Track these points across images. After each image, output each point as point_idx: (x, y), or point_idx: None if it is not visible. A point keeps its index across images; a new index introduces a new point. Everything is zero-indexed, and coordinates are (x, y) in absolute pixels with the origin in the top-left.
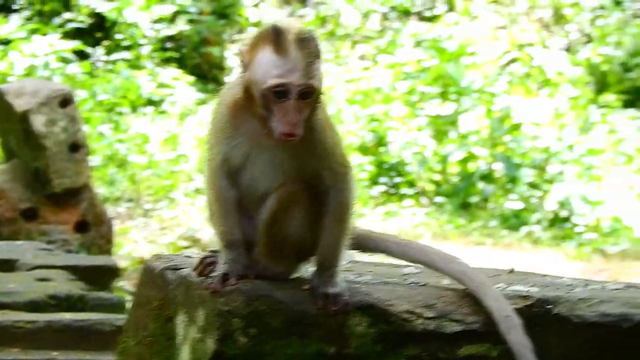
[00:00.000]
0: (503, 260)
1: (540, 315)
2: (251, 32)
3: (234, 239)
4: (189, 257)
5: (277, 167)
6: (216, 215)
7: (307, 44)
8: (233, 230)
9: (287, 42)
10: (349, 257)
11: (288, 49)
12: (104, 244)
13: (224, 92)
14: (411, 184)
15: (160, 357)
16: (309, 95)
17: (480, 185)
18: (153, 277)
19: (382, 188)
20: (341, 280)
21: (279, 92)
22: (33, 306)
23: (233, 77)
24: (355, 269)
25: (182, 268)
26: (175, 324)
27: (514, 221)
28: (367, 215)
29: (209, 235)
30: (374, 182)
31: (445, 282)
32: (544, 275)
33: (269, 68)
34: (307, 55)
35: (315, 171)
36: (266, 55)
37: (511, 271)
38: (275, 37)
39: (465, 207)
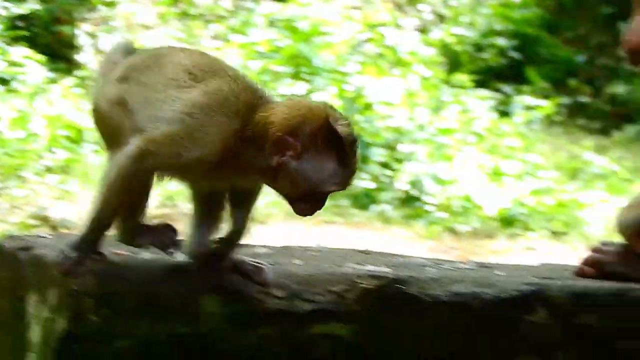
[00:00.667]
0: (354, 239)
1: (393, 295)
2: (304, 120)
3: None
4: (41, 237)
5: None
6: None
7: (357, 149)
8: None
9: (352, 156)
10: None
11: (351, 162)
12: None
13: (209, 118)
14: None
15: (12, 336)
16: None
17: None
18: (5, 257)
19: None
20: None
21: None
22: None
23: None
24: None
25: (35, 248)
26: (27, 303)
27: (364, 200)
28: None
29: (59, 213)
30: None
31: (297, 261)
32: (397, 255)
33: (332, 177)
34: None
35: None
36: (330, 165)
37: (364, 251)
38: (342, 149)
39: None
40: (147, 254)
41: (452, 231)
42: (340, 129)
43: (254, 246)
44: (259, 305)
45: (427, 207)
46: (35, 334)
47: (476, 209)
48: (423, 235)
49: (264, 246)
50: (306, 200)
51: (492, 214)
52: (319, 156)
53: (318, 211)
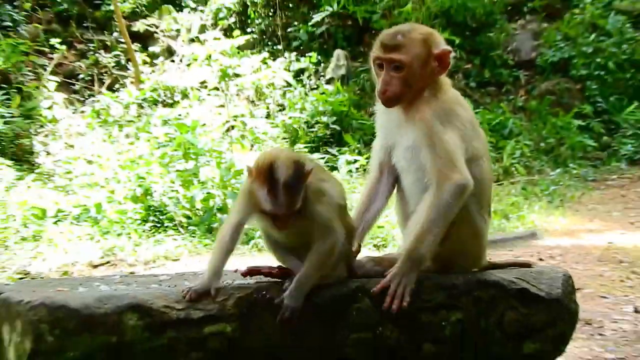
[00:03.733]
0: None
1: (257, 299)
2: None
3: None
4: (7, 284)
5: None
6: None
7: (293, 187)
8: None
9: (277, 190)
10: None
11: (277, 195)
12: None
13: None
14: (171, 219)
15: None
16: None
17: (219, 215)
18: None
19: (151, 225)
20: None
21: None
22: None
23: (40, 159)
24: (124, 280)
25: (2, 292)
26: (1, 332)
27: (244, 238)
28: (143, 244)
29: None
30: (144, 220)
31: (187, 283)
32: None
33: (265, 202)
34: (293, 192)
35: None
36: (263, 193)
37: (236, 271)
38: (270, 184)
39: (210, 230)
40: (82, 288)
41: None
42: (276, 173)
43: (157, 275)
44: (166, 316)
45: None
46: (11, 354)
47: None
48: None
49: (164, 274)
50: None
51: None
52: (259, 185)
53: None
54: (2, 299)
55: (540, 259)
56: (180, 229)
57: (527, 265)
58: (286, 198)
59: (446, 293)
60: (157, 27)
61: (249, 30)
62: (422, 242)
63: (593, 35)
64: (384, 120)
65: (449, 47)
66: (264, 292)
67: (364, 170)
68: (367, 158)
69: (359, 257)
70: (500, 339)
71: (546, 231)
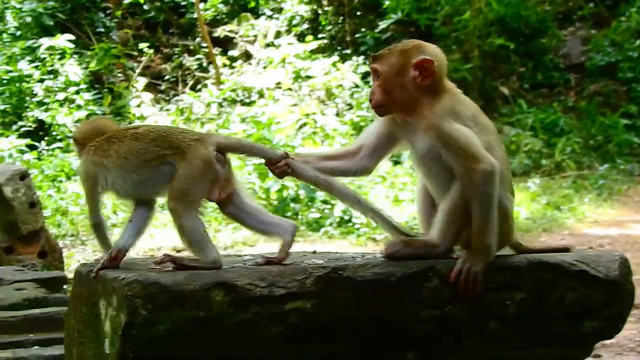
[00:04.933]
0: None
1: (335, 278)
2: None
3: None
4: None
5: None
6: None
7: None
8: None
9: None
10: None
11: None
12: (58, 264)
13: None
14: None
15: (91, 329)
16: None
17: (292, 205)
18: (82, 278)
19: None
20: None
21: None
22: (14, 306)
23: None
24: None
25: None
26: (99, 306)
27: (315, 225)
28: (222, 230)
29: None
30: None
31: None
32: (336, 253)
33: None
34: None
35: None
36: None
37: (314, 252)
38: None
39: None
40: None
41: (372, 239)
42: None
43: (244, 255)
44: (250, 293)
45: (355, 226)
46: (107, 326)
47: None
48: (355, 244)
49: (248, 254)
50: None
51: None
52: None
53: None
54: (99, 276)
55: (591, 247)
56: None
57: (566, 249)
58: None
59: (510, 274)
60: (236, 33)
61: (320, 35)
62: (482, 234)
63: (638, 41)
64: (387, 120)
65: (428, 57)
66: (341, 272)
67: None
68: None
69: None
70: (561, 317)
71: (595, 222)
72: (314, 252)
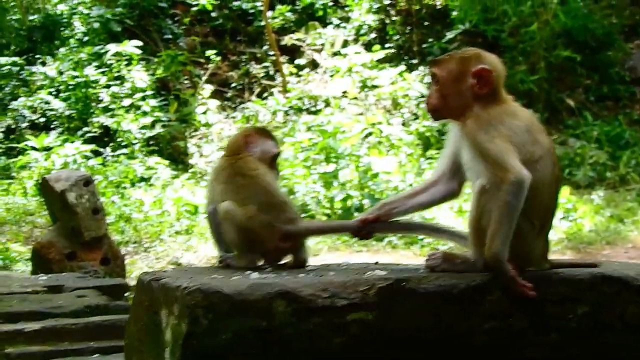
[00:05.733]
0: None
1: (397, 289)
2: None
3: None
4: (165, 271)
5: None
6: None
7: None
8: None
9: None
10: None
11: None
12: (120, 271)
13: None
14: (312, 217)
15: (152, 337)
16: None
17: (356, 214)
18: (144, 286)
19: None
20: None
21: None
22: (76, 314)
23: (194, 160)
24: (274, 270)
25: (162, 279)
26: (160, 315)
27: (378, 235)
28: None
29: (186, 260)
30: None
31: (332, 273)
32: (399, 264)
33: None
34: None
35: None
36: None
37: (376, 263)
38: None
39: None
40: (235, 276)
41: (436, 250)
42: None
43: (307, 266)
44: (312, 303)
45: (419, 237)
46: (167, 335)
47: None
48: (418, 255)
49: (311, 265)
50: None
51: None
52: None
53: None
54: (161, 284)
55: None
56: None
57: (593, 265)
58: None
59: (572, 287)
60: (303, 41)
61: (387, 45)
62: (493, 242)
63: None
64: (451, 135)
65: (487, 66)
66: (404, 283)
67: None
68: None
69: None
70: (622, 330)
71: None
72: (376, 263)
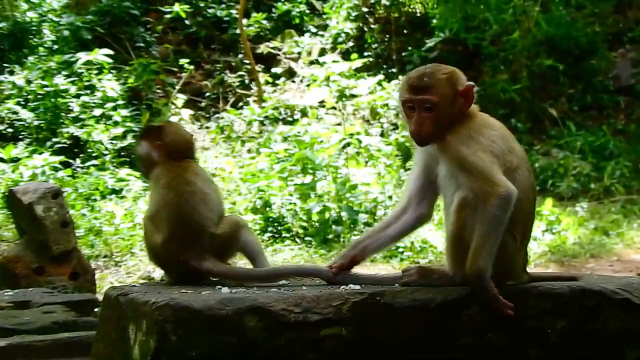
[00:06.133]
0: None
1: (372, 304)
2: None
3: None
4: (133, 286)
5: None
6: None
7: None
8: None
9: None
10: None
11: None
12: (90, 286)
13: None
14: (289, 230)
15: (120, 354)
16: None
17: (334, 227)
18: (111, 301)
19: (269, 234)
20: None
21: None
22: (43, 330)
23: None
24: (244, 284)
25: (129, 294)
26: (128, 331)
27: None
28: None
29: (159, 274)
30: (263, 230)
31: (305, 288)
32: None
33: None
34: None
35: None
36: None
37: None
38: None
39: (325, 242)
40: (205, 291)
41: (416, 263)
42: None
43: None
44: (284, 318)
45: (399, 249)
46: (135, 351)
47: (431, 247)
48: (398, 268)
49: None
50: None
51: (442, 249)
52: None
53: None
54: (129, 299)
55: (639, 274)
56: (297, 240)
57: (572, 278)
58: None
59: (552, 301)
60: (279, 50)
61: (365, 53)
62: (478, 256)
63: None
64: (420, 155)
65: (471, 83)
66: (379, 298)
67: None
68: None
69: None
70: (603, 346)
71: None
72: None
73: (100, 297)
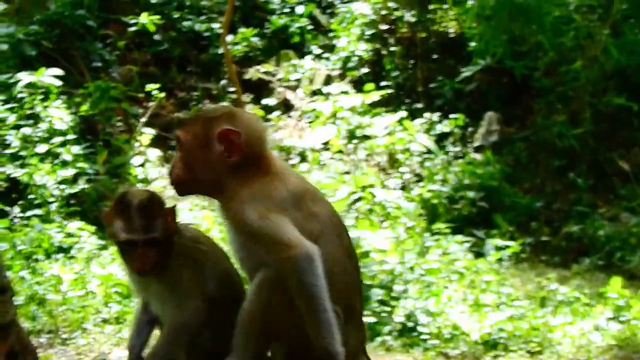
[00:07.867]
0: None
1: None
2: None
3: None
4: None
5: None
6: None
7: (148, 209)
8: None
9: (132, 211)
10: None
11: (131, 216)
12: None
13: None
14: None
15: None
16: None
17: None
18: None
19: None
20: None
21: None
22: None
23: None
24: None
25: None
26: None
27: (369, 333)
28: None
29: (116, 357)
30: None
31: None
32: None
33: (119, 231)
34: (149, 215)
35: None
36: (117, 222)
37: None
38: (123, 209)
39: None
40: None
41: (444, 355)
42: (128, 198)
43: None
44: None
45: (422, 336)
46: None
47: (463, 335)
48: (419, 359)
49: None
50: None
51: (477, 338)
52: (114, 217)
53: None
54: None
55: None
56: None
57: None
58: (140, 220)
59: None
60: (273, 76)
61: (383, 83)
62: (319, 337)
63: None
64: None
65: (233, 128)
66: None
67: (517, 258)
68: (521, 243)
69: None
70: None
71: None
72: None
73: None
